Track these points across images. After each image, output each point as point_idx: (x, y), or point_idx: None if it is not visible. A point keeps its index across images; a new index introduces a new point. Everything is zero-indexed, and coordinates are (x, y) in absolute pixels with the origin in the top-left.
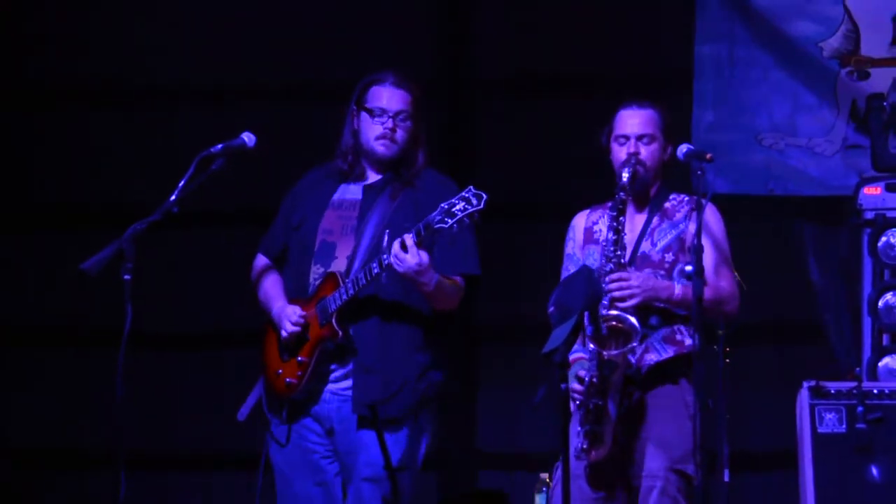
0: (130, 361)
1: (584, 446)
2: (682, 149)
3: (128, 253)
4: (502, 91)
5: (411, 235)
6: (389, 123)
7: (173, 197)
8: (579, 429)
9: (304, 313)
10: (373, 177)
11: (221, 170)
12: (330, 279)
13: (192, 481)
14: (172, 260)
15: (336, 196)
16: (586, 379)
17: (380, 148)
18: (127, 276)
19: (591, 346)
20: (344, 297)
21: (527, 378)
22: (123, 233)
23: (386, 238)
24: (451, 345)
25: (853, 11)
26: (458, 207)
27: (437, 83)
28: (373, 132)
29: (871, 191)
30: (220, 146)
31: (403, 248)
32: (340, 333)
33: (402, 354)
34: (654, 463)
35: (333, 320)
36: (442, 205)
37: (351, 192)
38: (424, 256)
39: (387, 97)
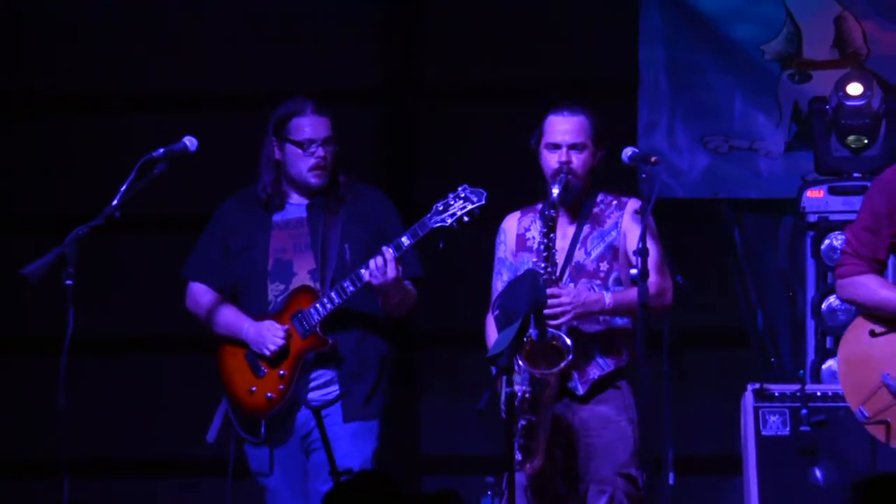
0: (72, 367)
1: (519, 459)
2: (627, 152)
3: (69, 258)
4: (447, 98)
5: (391, 249)
6: (321, 152)
7: (115, 202)
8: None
9: (284, 328)
10: (298, 199)
11: (163, 174)
12: (303, 292)
13: (136, 486)
14: (111, 264)
15: (277, 217)
16: (518, 395)
17: (313, 179)
18: (69, 282)
19: (522, 363)
20: (329, 307)
21: (470, 384)
22: (64, 238)
23: (348, 251)
24: (399, 352)
25: (795, 14)
26: (456, 206)
27: (382, 91)
28: (305, 164)
29: (815, 194)
30: (161, 150)
31: (384, 261)
32: (330, 341)
33: (376, 360)
34: (600, 469)
35: (318, 330)
36: (437, 205)
37: (291, 211)
38: (400, 271)
39: (312, 127)
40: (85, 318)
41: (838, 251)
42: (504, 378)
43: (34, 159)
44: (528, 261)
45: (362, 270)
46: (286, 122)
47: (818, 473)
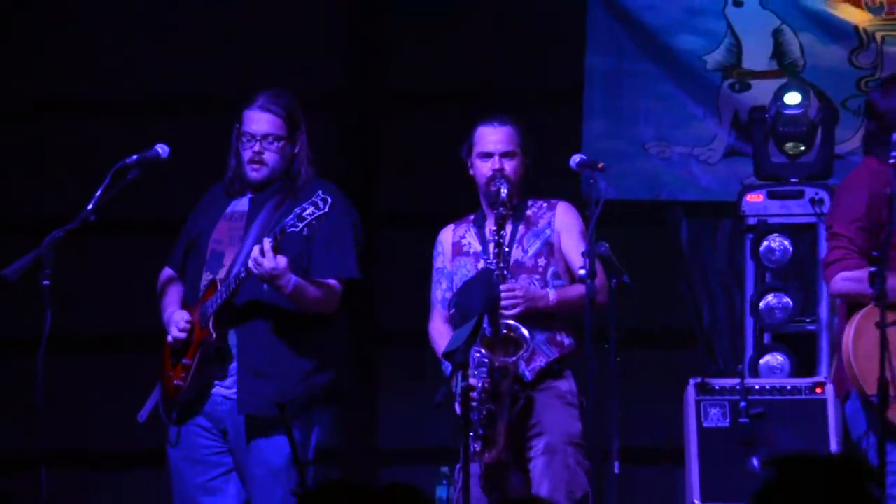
0: (49, 363)
1: (478, 449)
2: (575, 159)
3: (46, 260)
4: (408, 103)
5: (269, 240)
6: (256, 147)
7: (90, 206)
8: (472, 432)
9: (190, 318)
10: (249, 192)
11: (137, 180)
12: (211, 285)
13: (108, 479)
14: (88, 266)
15: (229, 209)
16: (478, 386)
17: (251, 172)
18: (46, 282)
19: (483, 351)
20: (219, 301)
21: (428, 379)
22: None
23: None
24: (355, 348)
25: (735, 26)
26: (307, 212)
27: (346, 94)
28: (245, 156)
29: (754, 198)
30: (135, 157)
31: (262, 252)
32: (214, 335)
33: (287, 356)
34: (548, 439)
35: (210, 324)
36: (295, 210)
37: (241, 204)
38: (282, 261)
39: (254, 121)
40: (61, 317)
41: (776, 252)
42: (460, 373)
43: (12, 163)
44: (465, 264)
45: (250, 261)
46: (241, 114)
47: (756, 462)
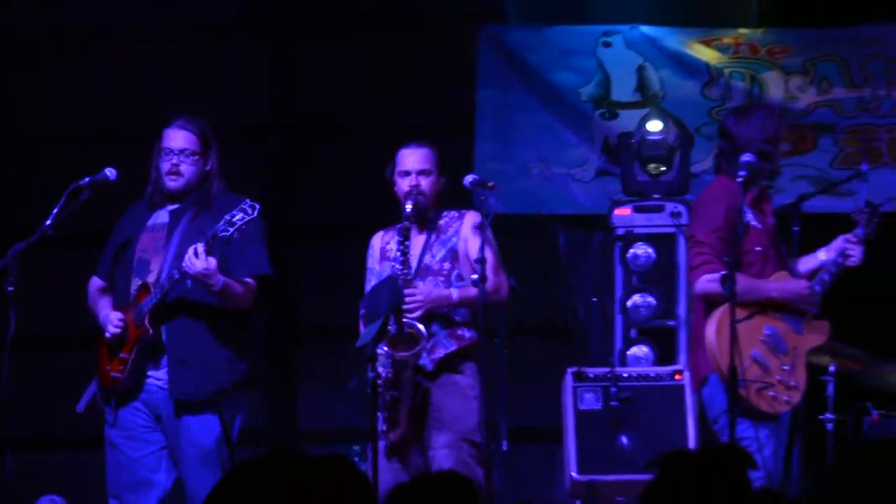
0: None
1: (384, 429)
2: (468, 178)
3: (11, 268)
4: (323, 131)
5: (202, 244)
6: (174, 160)
7: (48, 222)
8: (380, 414)
9: (123, 317)
10: (172, 205)
11: (88, 199)
12: (143, 288)
13: (66, 460)
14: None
15: (150, 221)
16: (383, 375)
17: (169, 182)
18: (10, 288)
19: (385, 348)
20: (153, 300)
21: (343, 368)
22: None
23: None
24: (280, 342)
25: (605, 64)
26: (237, 217)
27: (269, 124)
28: (164, 169)
29: (622, 212)
30: (87, 179)
31: (195, 254)
32: (151, 331)
33: (209, 347)
34: (446, 436)
35: (146, 321)
36: (225, 216)
37: (160, 216)
38: (212, 262)
39: (172, 138)
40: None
41: (641, 258)
42: (369, 364)
43: None
44: (389, 267)
45: (184, 262)
46: (162, 133)
47: (624, 440)
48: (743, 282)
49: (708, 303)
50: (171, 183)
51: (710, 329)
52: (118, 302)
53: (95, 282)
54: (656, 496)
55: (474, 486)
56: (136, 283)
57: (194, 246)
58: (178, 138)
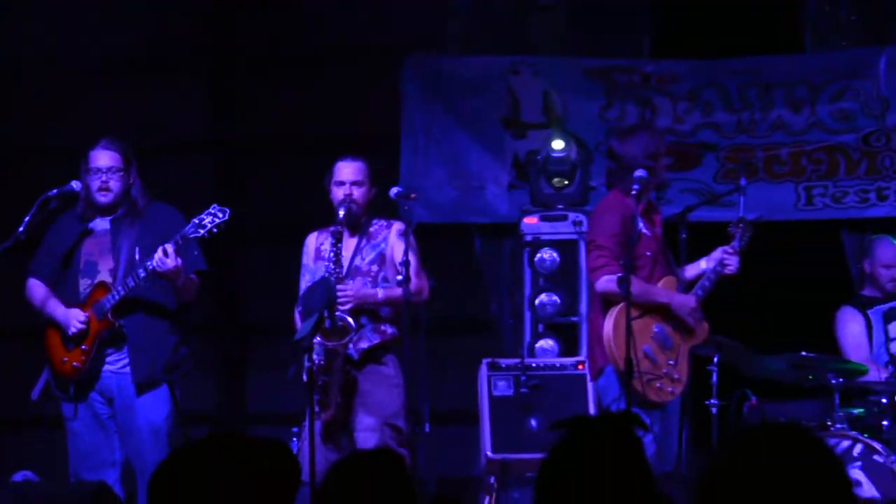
0: None
1: (317, 410)
2: (394, 190)
3: None
4: (265, 146)
5: (171, 245)
6: (103, 178)
7: (21, 229)
8: (314, 397)
9: (85, 314)
10: (104, 215)
11: (57, 208)
12: (100, 286)
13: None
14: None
15: (90, 227)
16: (317, 362)
17: (99, 198)
18: None
19: (319, 339)
20: (117, 297)
21: (284, 358)
22: None
23: (137, 254)
24: (230, 334)
25: (515, 89)
26: (207, 220)
27: (210, 141)
28: (94, 186)
29: (530, 220)
30: (55, 191)
31: (165, 254)
32: (117, 324)
33: (161, 335)
34: (370, 420)
35: (109, 315)
36: (193, 220)
37: (101, 224)
38: (179, 261)
39: (99, 158)
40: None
41: (547, 262)
42: (306, 355)
43: None
44: (322, 266)
45: (148, 262)
46: (87, 154)
47: (533, 422)
48: (637, 286)
49: (605, 301)
50: (102, 198)
51: (608, 325)
52: (67, 300)
53: (37, 284)
54: (559, 459)
55: (404, 460)
56: (85, 282)
57: (163, 247)
58: (104, 158)
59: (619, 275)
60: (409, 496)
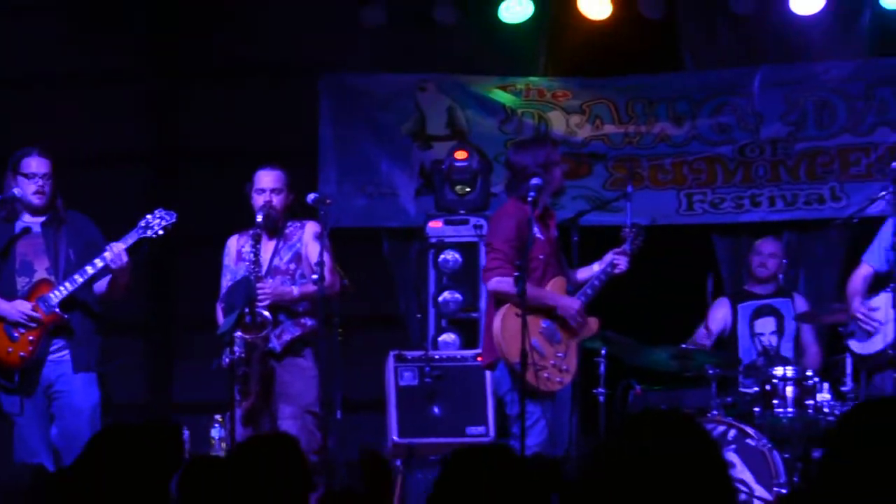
0: None
1: (238, 398)
2: (311, 196)
3: None
4: (197, 156)
5: (123, 244)
6: (40, 182)
7: None
8: (235, 386)
9: (32, 305)
10: (28, 218)
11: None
12: (43, 282)
13: None
14: None
15: (19, 229)
16: (237, 354)
17: (36, 200)
18: None
19: (239, 332)
20: (65, 292)
21: (209, 351)
22: None
23: (72, 254)
24: (161, 330)
25: (421, 104)
26: (154, 222)
27: (149, 152)
28: (29, 189)
29: (435, 224)
30: (1, 196)
31: (117, 252)
32: (66, 317)
33: (92, 332)
34: (291, 409)
35: (57, 309)
36: (140, 222)
37: (32, 227)
38: (128, 259)
39: (35, 165)
40: None
41: (450, 262)
42: (228, 348)
43: None
44: (243, 266)
45: (97, 259)
46: (20, 161)
47: (436, 409)
48: (529, 289)
49: (497, 300)
50: (38, 201)
51: (497, 322)
52: (5, 295)
53: None
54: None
55: (298, 443)
56: (23, 280)
57: (113, 246)
58: (41, 165)
59: (510, 277)
60: (300, 474)
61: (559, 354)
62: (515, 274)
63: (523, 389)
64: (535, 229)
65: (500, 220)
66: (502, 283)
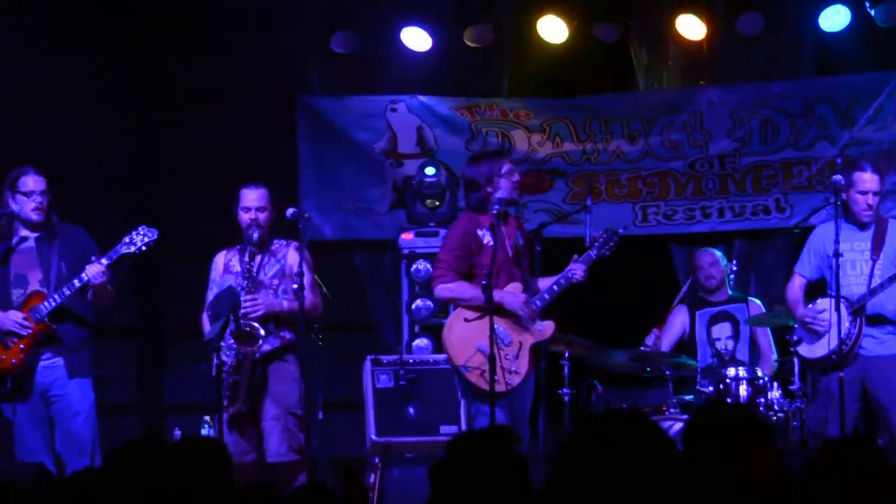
0: None
1: (226, 404)
2: (290, 211)
3: None
4: (177, 174)
5: (106, 259)
6: (38, 198)
7: None
8: (224, 392)
9: (25, 315)
10: (24, 232)
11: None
12: (36, 294)
13: None
14: None
15: (19, 245)
16: (228, 362)
17: (35, 217)
18: None
19: (232, 342)
20: (54, 303)
21: (197, 357)
22: None
23: (64, 267)
24: (150, 337)
25: (392, 124)
26: (138, 239)
27: (131, 169)
28: (28, 206)
29: (407, 236)
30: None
31: (98, 267)
32: (54, 327)
33: (87, 337)
34: (275, 410)
35: (47, 319)
36: (125, 239)
37: (26, 242)
38: (109, 273)
39: (32, 183)
40: None
41: (422, 272)
42: (214, 354)
43: None
44: (230, 279)
45: (83, 274)
46: (17, 180)
47: (411, 410)
48: (467, 288)
49: (444, 305)
50: (37, 217)
51: (444, 330)
52: (1, 306)
53: None
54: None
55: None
56: (17, 292)
57: (98, 261)
58: (38, 183)
59: (456, 283)
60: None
61: (508, 357)
62: (451, 283)
63: (492, 395)
64: (486, 237)
65: (449, 231)
66: (444, 289)
